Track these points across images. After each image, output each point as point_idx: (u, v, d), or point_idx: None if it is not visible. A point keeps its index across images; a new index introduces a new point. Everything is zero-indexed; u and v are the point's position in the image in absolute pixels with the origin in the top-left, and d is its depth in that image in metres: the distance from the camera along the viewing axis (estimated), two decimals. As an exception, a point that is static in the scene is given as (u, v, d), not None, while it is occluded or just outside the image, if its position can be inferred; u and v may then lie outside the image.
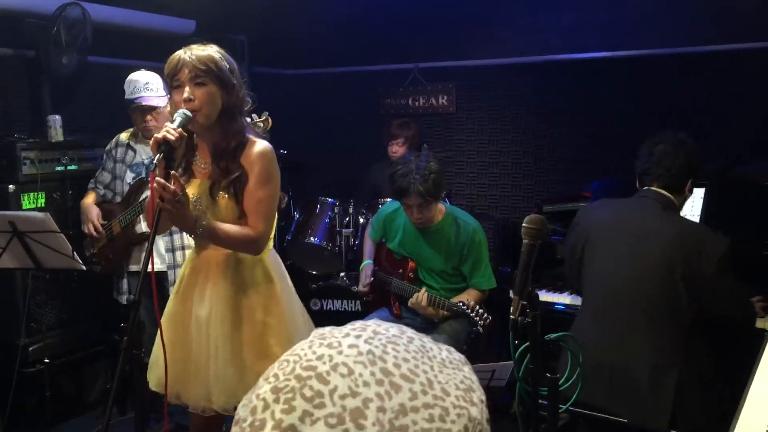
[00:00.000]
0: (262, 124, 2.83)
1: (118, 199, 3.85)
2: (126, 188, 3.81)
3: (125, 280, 3.85)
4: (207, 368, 2.48)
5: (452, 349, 0.77)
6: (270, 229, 2.50)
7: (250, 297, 2.52)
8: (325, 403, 0.66)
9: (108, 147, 3.94)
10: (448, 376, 0.70)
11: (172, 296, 2.68)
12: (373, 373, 0.68)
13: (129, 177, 3.81)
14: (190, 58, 2.35)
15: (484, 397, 0.71)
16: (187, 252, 3.33)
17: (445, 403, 0.67)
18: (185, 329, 2.53)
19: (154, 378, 2.60)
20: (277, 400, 0.67)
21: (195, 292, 2.53)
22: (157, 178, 2.17)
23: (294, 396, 0.67)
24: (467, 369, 0.74)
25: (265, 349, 2.49)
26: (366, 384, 0.67)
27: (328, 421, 0.64)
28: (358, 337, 0.73)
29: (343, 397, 0.66)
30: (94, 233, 3.75)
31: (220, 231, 2.37)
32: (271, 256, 2.63)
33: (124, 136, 3.89)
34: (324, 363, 0.69)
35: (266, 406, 0.68)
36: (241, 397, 2.44)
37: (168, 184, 2.17)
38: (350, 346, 0.71)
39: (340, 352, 0.70)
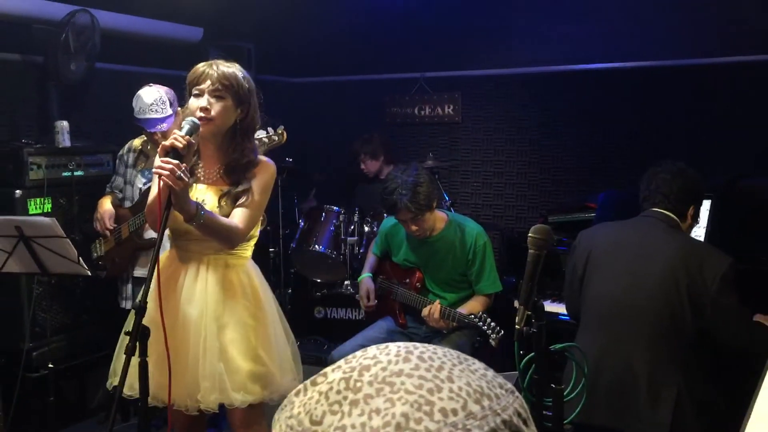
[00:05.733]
0: (277, 138, 2.94)
1: (128, 203, 3.87)
2: (137, 193, 3.83)
3: (129, 285, 3.87)
4: (195, 367, 2.52)
5: (500, 377, 0.73)
6: (248, 232, 2.59)
7: (238, 300, 2.61)
8: (353, 361, 0.72)
9: (120, 152, 3.97)
10: (469, 377, 0.69)
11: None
12: (399, 350, 0.72)
13: (140, 182, 3.84)
14: (215, 71, 2.47)
15: (505, 415, 0.66)
16: None
17: (442, 384, 0.67)
18: (162, 329, 2.51)
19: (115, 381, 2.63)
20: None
21: (182, 292, 2.58)
22: (161, 158, 2.23)
23: (342, 360, 0.73)
24: (501, 391, 0.69)
25: (250, 350, 2.59)
26: (387, 354, 0.71)
27: (345, 370, 0.70)
28: (408, 344, 0.77)
29: (366, 358, 0.71)
30: (107, 229, 3.78)
31: (216, 221, 2.45)
32: (253, 264, 2.75)
33: (137, 142, 3.92)
34: (375, 346, 0.75)
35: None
36: (231, 394, 2.46)
37: (171, 160, 2.22)
38: (401, 343, 0.76)
39: (395, 343, 0.76)
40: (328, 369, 0.72)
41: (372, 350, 0.73)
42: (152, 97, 3.67)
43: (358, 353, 0.73)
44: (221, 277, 2.60)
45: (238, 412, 2.59)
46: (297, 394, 0.72)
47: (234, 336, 2.57)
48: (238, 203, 2.54)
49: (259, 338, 2.62)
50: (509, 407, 0.68)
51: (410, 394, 0.66)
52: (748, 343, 2.66)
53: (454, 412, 0.65)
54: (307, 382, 0.73)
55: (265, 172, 2.61)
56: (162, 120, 3.67)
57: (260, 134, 2.91)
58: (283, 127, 2.99)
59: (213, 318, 2.55)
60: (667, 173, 2.81)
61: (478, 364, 0.73)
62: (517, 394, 0.71)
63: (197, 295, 2.57)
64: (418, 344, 0.74)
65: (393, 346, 0.73)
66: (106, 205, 3.84)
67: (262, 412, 2.68)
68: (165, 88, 3.74)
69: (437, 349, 0.73)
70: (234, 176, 2.57)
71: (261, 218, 2.71)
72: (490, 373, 0.72)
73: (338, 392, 0.68)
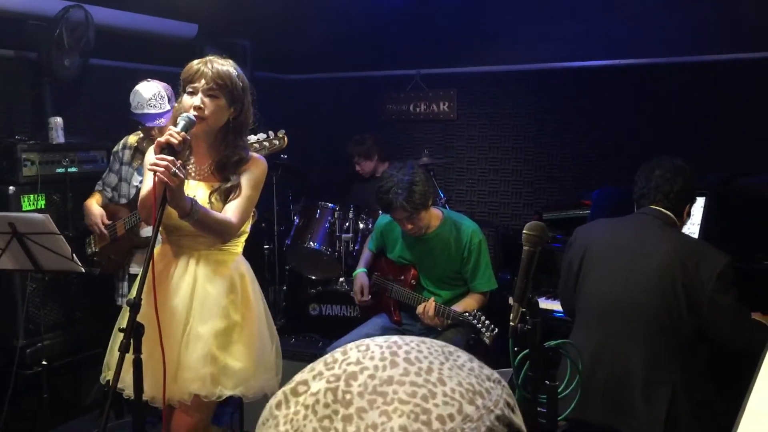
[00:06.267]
0: (278, 142, 2.96)
1: (124, 201, 3.86)
2: (132, 191, 3.82)
3: (125, 283, 3.86)
4: (176, 358, 2.53)
5: (485, 366, 0.73)
6: (241, 226, 2.61)
7: (226, 296, 2.63)
8: (335, 367, 0.68)
9: (115, 149, 3.96)
10: (458, 375, 0.68)
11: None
12: (383, 352, 0.69)
13: (136, 180, 3.83)
14: (209, 70, 2.47)
15: (498, 410, 0.66)
16: None
17: (435, 389, 0.65)
18: (149, 323, 2.46)
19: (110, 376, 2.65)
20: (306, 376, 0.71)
21: (170, 284, 2.59)
22: (157, 155, 2.25)
23: (318, 363, 0.70)
24: (490, 384, 0.69)
25: (228, 343, 2.61)
26: (372, 358, 0.68)
27: (329, 379, 0.67)
28: (387, 339, 0.75)
29: (349, 364, 0.68)
30: (105, 232, 3.77)
31: (210, 216, 2.48)
32: (243, 261, 2.77)
33: (132, 139, 3.91)
34: (353, 346, 0.72)
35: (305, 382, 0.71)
36: (208, 384, 2.47)
37: (166, 156, 2.24)
38: (380, 339, 0.73)
39: (373, 340, 0.73)
40: (307, 375, 0.68)
41: (353, 353, 0.69)
42: (150, 92, 3.67)
43: (338, 356, 0.69)
44: (211, 272, 2.61)
45: (200, 402, 2.58)
46: (278, 407, 0.68)
47: (217, 328, 2.58)
48: (229, 198, 2.56)
49: (242, 334, 2.64)
50: (500, 400, 0.67)
51: (405, 404, 0.63)
52: (746, 341, 2.65)
53: (451, 417, 0.63)
54: (287, 391, 0.68)
55: (256, 167, 2.63)
56: (160, 115, 3.67)
57: (261, 137, 2.93)
58: (284, 131, 2.99)
59: (198, 311, 2.57)
60: (667, 171, 2.80)
61: (463, 357, 0.72)
62: (503, 383, 0.71)
63: (184, 288, 2.59)
64: (399, 341, 0.71)
65: (375, 347, 0.70)
66: (94, 207, 3.83)
67: (214, 407, 2.71)
68: (162, 83, 3.75)
69: (421, 345, 0.71)
70: (225, 173, 2.59)
71: (252, 213, 2.73)
72: (476, 365, 0.71)
73: (326, 405, 0.64)
